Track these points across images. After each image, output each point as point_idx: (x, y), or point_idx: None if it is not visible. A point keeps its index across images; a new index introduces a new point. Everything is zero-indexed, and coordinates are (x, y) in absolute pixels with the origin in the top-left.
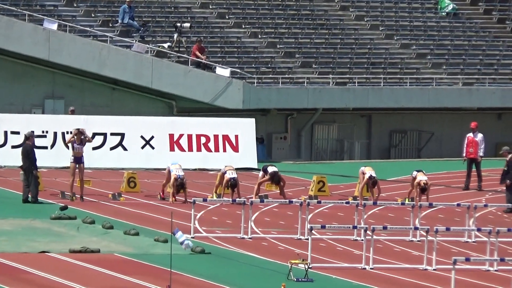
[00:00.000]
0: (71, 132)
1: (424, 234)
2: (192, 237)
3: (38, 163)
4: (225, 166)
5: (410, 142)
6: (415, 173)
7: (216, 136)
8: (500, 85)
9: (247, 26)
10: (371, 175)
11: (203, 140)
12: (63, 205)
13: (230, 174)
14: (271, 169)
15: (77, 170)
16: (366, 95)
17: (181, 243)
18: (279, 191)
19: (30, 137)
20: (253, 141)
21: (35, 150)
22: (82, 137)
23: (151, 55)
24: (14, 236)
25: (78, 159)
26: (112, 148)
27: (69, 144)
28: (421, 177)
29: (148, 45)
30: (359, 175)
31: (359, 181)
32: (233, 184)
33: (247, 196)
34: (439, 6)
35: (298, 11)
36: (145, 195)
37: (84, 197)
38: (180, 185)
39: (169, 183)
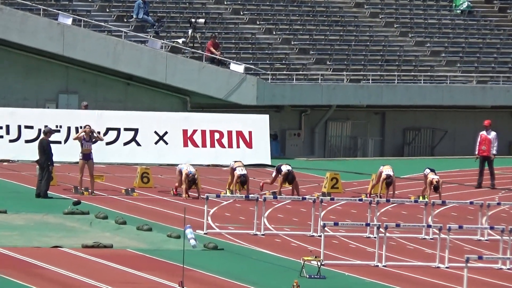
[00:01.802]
0: (82, 127)
1: (437, 232)
2: (205, 233)
3: None
4: (234, 162)
5: (423, 139)
6: (427, 170)
7: (229, 132)
8: None
9: (262, 22)
10: (388, 174)
11: (216, 136)
12: (76, 200)
13: (240, 171)
14: (285, 168)
15: (86, 166)
16: (380, 92)
17: (189, 239)
18: (291, 189)
19: (48, 132)
20: (267, 137)
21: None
22: (91, 134)
23: (166, 51)
24: (27, 231)
25: (86, 155)
26: (125, 143)
27: (77, 141)
28: (433, 176)
29: (162, 41)
30: (377, 174)
31: (372, 178)
32: (243, 181)
33: (260, 193)
34: (454, 4)
35: (313, 8)
36: (158, 191)
37: (95, 192)
38: (192, 181)
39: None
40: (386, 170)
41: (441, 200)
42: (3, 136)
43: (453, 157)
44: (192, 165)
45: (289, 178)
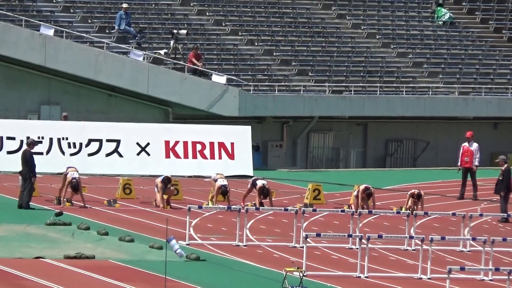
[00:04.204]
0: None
1: (419, 243)
2: (187, 244)
3: None
4: (216, 174)
5: (405, 151)
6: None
7: (211, 144)
8: (496, 95)
9: (244, 34)
10: (367, 186)
11: (198, 147)
12: (58, 211)
13: (221, 182)
14: (260, 182)
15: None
16: (362, 104)
17: (175, 251)
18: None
19: (31, 144)
20: (249, 148)
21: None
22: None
23: (148, 62)
24: (9, 242)
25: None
26: (107, 155)
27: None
28: (413, 190)
29: (144, 52)
30: (353, 193)
31: (354, 189)
32: (224, 191)
33: (243, 205)
34: (436, 15)
35: (295, 19)
36: (140, 202)
37: (74, 202)
38: (169, 182)
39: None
40: (364, 184)
41: (424, 211)
42: None
43: (435, 168)
44: (174, 176)
45: (264, 192)
